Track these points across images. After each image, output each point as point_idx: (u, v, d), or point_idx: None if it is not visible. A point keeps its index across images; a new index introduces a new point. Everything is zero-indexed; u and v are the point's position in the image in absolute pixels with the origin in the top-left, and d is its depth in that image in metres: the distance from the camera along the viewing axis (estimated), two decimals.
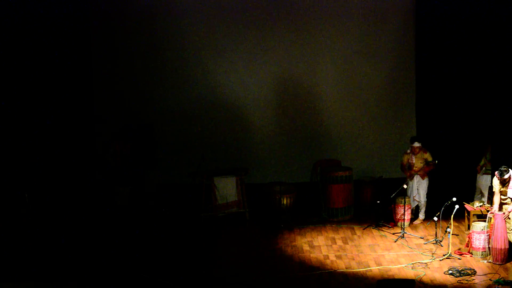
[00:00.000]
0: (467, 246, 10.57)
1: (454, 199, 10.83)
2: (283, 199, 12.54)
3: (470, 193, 12.20)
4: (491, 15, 13.24)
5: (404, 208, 11.63)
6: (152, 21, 13.94)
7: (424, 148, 12.11)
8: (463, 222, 11.85)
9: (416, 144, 12.08)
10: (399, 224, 11.81)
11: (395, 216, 11.94)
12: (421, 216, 12.24)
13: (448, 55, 13.62)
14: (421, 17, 13.78)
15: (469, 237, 10.53)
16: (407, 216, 11.81)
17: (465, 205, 11.54)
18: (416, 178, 12.09)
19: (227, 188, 12.41)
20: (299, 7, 13.93)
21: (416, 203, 12.18)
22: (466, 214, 11.67)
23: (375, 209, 12.39)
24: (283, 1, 13.95)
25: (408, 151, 12.22)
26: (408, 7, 13.91)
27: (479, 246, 10.37)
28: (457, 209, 10.68)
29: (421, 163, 12.02)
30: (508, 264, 10.09)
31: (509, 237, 10.20)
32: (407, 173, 12.15)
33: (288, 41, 14.04)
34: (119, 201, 12.71)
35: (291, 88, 14.18)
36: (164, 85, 14.14)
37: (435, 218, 10.92)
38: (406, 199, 11.73)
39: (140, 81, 14.10)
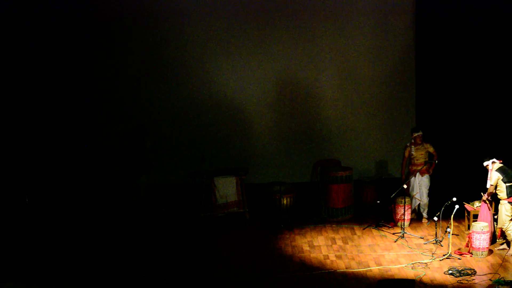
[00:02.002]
0: (467, 246, 10.57)
1: (454, 199, 10.83)
2: (283, 199, 12.53)
3: (470, 193, 12.17)
4: (491, 15, 13.26)
5: (404, 208, 11.63)
6: (152, 21, 13.94)
7: (425, 140, 12.08)
8: (463, 222, 11.85)
9: (415, 134, 12.02)
10: (399, 224, 11.80)
11: (395, 216, 11.94)
12: (425, 215, 12.22)
13: (448, 54, 13.62)
14: (421, 17, 13.79)
15: (469, 237, 10.53)
16: (407, 216, 11.81)
17: (465, 205, 11.54)
18: (418, 176, 12.06)
19: (227, 188, 12.40)
20: (300, 7, 13.93)
21: (418, 202, 12.15)
22: (466, 214, 11.67)
23: (375, 209, 12.39)
24: (283, 1, 13.95)
25: (408, 143, 12.17)
26: (408, 7, 13.91)
27: (479, 246, 10.38)
28: (457, 209, 10.68)
29: (421, 155, 11.98)
30: (508, 264, 10.10)
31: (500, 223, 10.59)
32: (410, 168, 12.09)
33: (288, 41, 14.04)
34: (137, 195, 12.65)
35: (291, 88, 14.18)
36: (164, 85, 14.14)
37: (435, 218, 10.93)
38: (406, 199, 11.73)
39: (140, 80, 14.11)
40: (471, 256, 10.43)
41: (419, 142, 12.03)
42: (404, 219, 11.63)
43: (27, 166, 12.82)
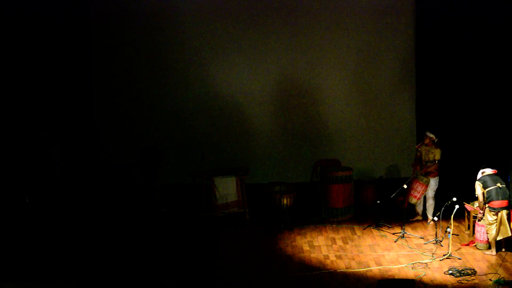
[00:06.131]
0: (467, 245, 10.62)
1: (454, 199, 10.83)
2: (283, 199, 12.54)
3: (470, 193, 12.16)
4: (492, 15, 13.26)
5: (422, 188, 11.63)
6: (152, 22, 13.93)
7: (436, 144, 12.02)
8: (463, 222, 11.85)
9: (426, 134, 12.00)
10: (410, 199, 11.77)
11: (411, 192, 11.82)
12: (430, 216, 12.19)
13: (448, 55, 13.61)
14: (421, 17, 13.78)
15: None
16: (419, 194, 11.79)
17: (465, 205, 11.54)
18: None
19: (227, 188, 12.40)
20: (300, 7, 13.92)
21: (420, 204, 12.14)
22: (466, 214, 11.67)
23: (375, 209, 12.39)
24: (283, 1, 13.95)
25: (419, 144, 12.19)
26: (408, 7, 13.91)
27: (482, 239, 10.46)
28: (457, 209, 10.68)
29: (428, 159, 11.92)
30: (508, 264, 10.10)
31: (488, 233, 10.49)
32: (416, 167, 12.08)
33: (288, 40, 14.03)
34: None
35: (291, 88, 14.17)
36: (164, 85, 14.13)
37: (435, 218, 10.94)
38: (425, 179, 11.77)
39: (140, 81, 14.10)
40: (475, 247, 10.50)
41: (427, 143, 11.97)
42: (417, 196, 11.64)
43: (28, 166, 12.81)
